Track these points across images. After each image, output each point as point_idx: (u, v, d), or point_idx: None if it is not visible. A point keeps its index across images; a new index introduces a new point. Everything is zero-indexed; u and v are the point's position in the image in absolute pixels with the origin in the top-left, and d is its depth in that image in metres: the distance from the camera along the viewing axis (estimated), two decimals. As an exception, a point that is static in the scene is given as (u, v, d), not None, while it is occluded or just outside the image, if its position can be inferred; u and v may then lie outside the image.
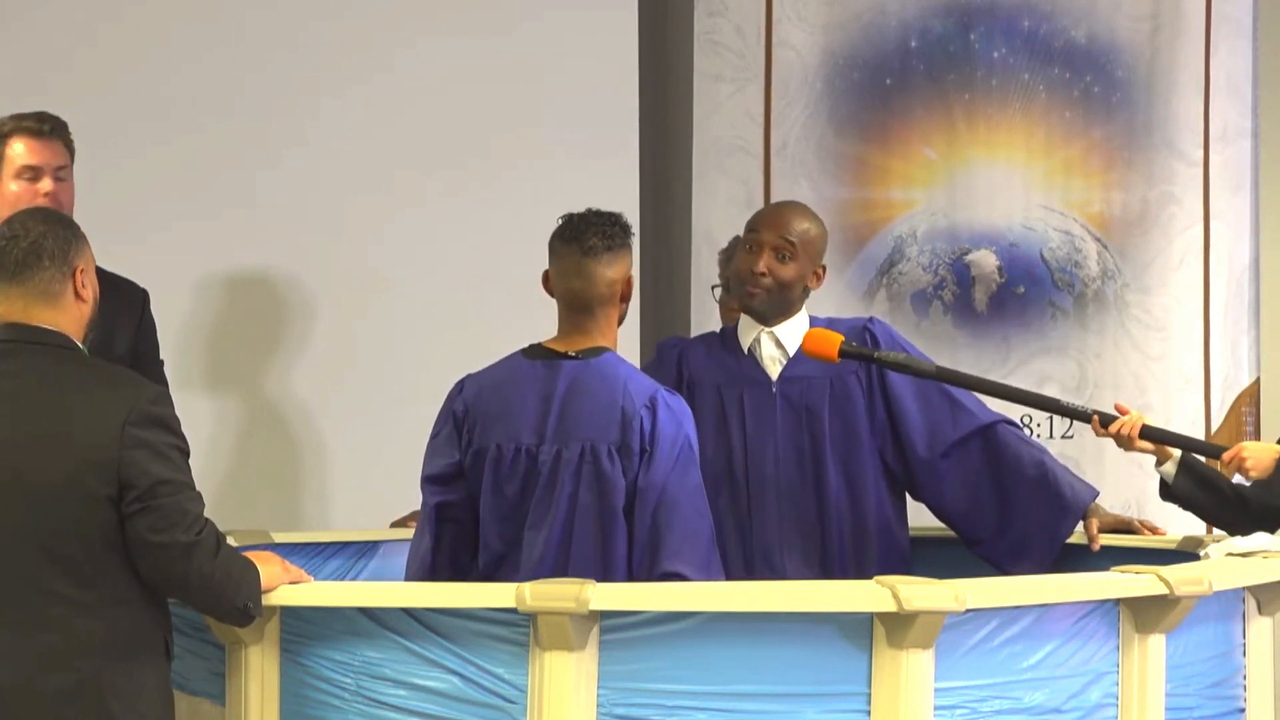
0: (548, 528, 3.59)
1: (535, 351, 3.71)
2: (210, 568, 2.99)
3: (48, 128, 4.08)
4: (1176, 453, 3.95)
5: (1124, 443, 3.92)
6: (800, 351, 4.06)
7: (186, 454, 3.04)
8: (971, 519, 4.13)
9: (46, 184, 4.06)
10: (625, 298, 3.72)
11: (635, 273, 5.37)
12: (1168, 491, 3.98)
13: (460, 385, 3.75)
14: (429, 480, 3.74)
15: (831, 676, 3.11)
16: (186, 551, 2.97)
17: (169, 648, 3.08)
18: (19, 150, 4.06)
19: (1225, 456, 3.86)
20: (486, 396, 3.69)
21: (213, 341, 5.01)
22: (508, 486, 3.64)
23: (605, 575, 3.51)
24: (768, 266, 4.02)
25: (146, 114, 4.92)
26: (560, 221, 3.72)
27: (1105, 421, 3.94)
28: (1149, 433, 3.91)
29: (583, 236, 3.66)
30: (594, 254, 3.65)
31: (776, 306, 4.06)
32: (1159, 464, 3.97)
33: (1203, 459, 4.00)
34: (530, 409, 3.64)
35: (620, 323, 3.75)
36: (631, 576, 3.54)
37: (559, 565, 3.57)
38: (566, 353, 3.67)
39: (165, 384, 3.90)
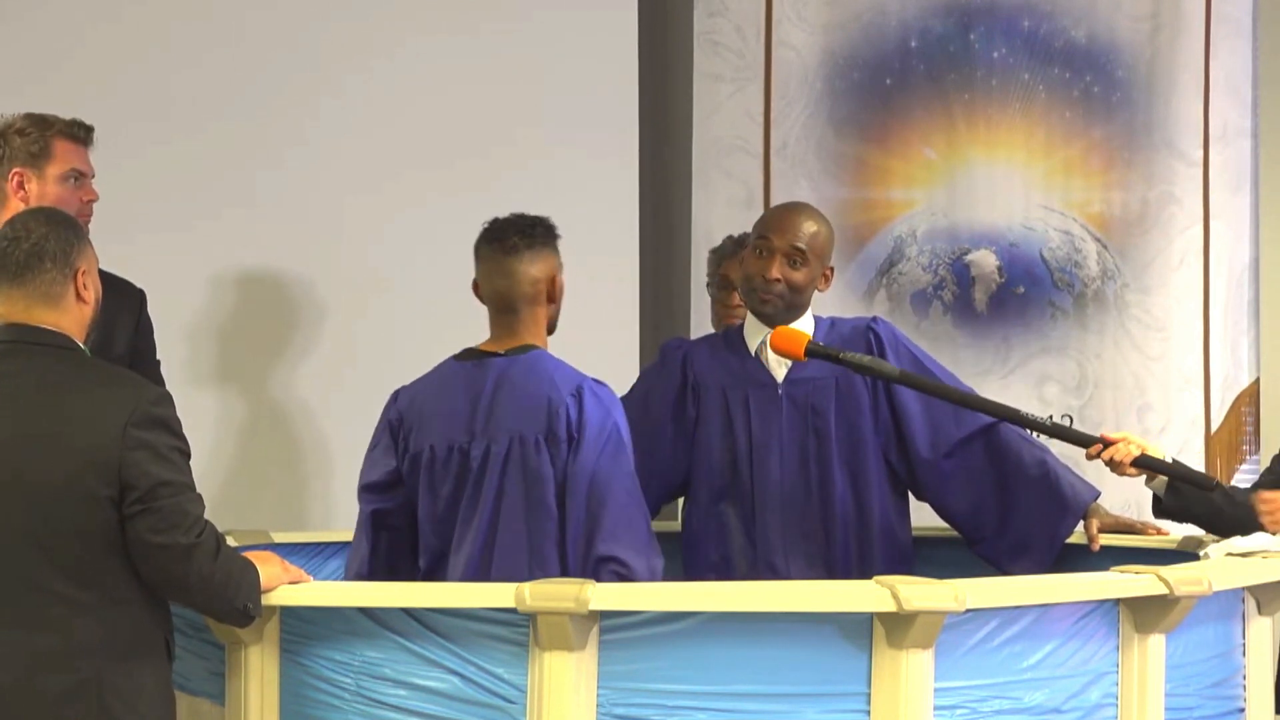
0: (477, 522, 3.61)
1: (466, 355, 3.74)
2: (210, 569, 2.99)
3: (88, 136, 4.06)
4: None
5: (1115, 468, 3.93)
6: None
7: (187, 455, 3.04)
8: (973, 518, 4.13)
9: (92, 191, 4.05)
10: (552, 298, 3.73)
11: (634, 272, 5.42)
12: (1160, 507, 4.01)
13: (395, 395, 3.79)
14: (366, 489, 3.80)
15: (831, 676, 3.11)
16: (187, 553, 2.97)
17: (170, 648, 3.08)
18: (66, 151, 4.01)
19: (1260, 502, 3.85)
20: (419, 403, 3.73)
21: (213, 342, 5.01)
22: (442, 487, 3.67)
23: (531, 566, 3.53)
24: (781, 273, 4.02)
25: (147, 114, 4.92)
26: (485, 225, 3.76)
27: (1088, 442, 3.95)
28: (1142, 461, 3.91)
29: (504, 236, 3.70)
30: (515, 252, 3.68)
31: (789, 309, 4.06)
32: (1149, 480, 3.98)
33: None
34: (461, 409, 3.67)
35: (551, 328, 3.76)
36: (564, 565, 3.55)
37: (485, 558, 3.59)
38: (495, 352, 3.69)
39: (163, 384, 3.91)
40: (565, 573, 3.52)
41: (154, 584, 3.01)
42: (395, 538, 3.76)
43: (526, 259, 3.68)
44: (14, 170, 3.98)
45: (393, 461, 3.74)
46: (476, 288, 3.75)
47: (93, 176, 4.07)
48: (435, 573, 3.67)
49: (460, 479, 3.64)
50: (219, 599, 3.03)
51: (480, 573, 3.56)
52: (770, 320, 4.07)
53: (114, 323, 3.94)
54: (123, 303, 4.09)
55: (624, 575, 3.46)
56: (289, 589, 3.19)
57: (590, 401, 3.59)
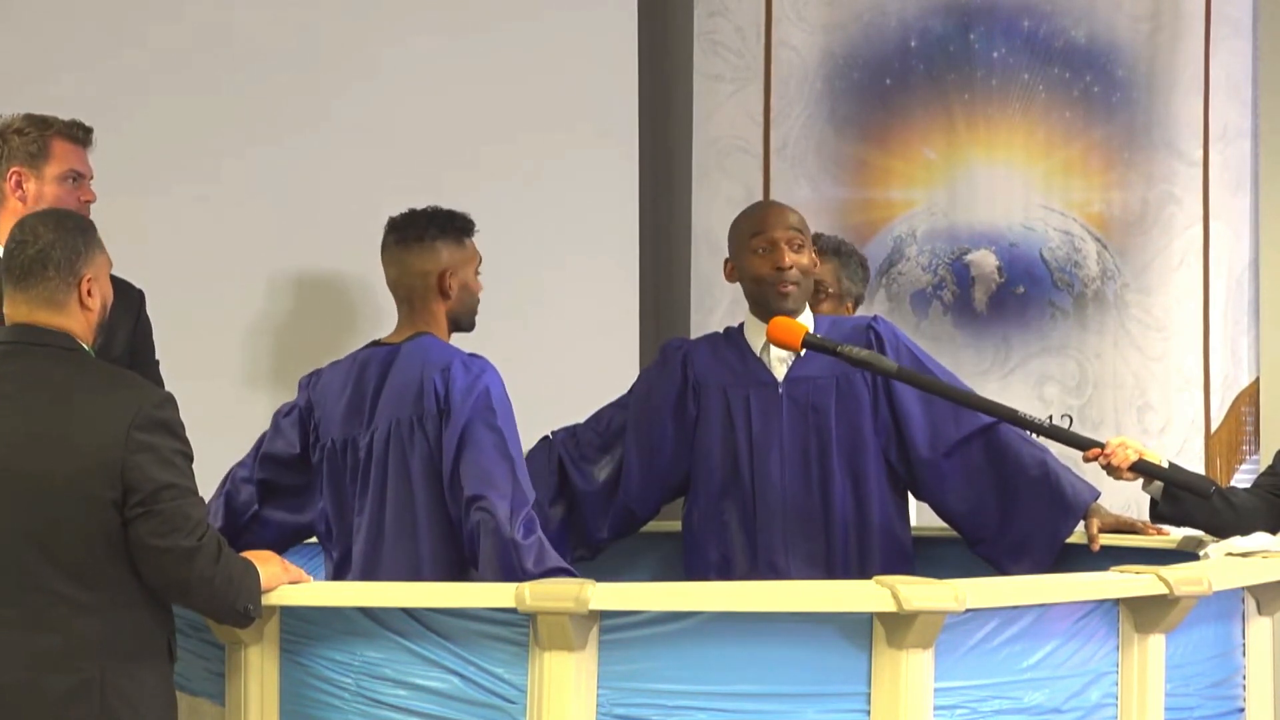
0: (367, 510, 3.64)
1: (369, 346, 3.77)
2: (211, 572, 2.99)
3: (88, 136, 4.06)
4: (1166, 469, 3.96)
5: (1112, 472, 3.93)
6: (807, 352, 4.07)
7: (190, 458, 3.04)
8: (973, 518, 4.13)
9: (90, 193, 4.05)
10: (446, 293, 3.73)
11: (635, 272, 5.41)
12: (1156, 512, 4.01)
13: (309, 379, 3.81)
14: (266, 458, 3.81)
15: (831, 676, 3.11)
16: (188, 556, 2.97)
17: (172, 649, 3.08)
18: (65, 152, 4.01)
19: None
20: (325, 392, 3.76)
21: (215, 342, 5.00)
22: (342, 479, 3.70)
23: (416, 551, 3.56)
24: (791, 260, 4.05)
25: (153, 115, 4.91)
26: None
27: (1086, 445, 3.96)
28: (1139, 467, 3.91)
29: (400, 226, 3.74)
30: (404, 243, 3.72)
31: (805, 296, 4.08)
32: (1146, 485, 3.98)
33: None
34: (350, 401, 3.70)
35: (459, 326, 3.77)
36: (459, 537, 3.55)
37: (375, 545, 3.61)
38: (388, 343, 3.73)
39: (163, 384, 3.91)
40: (459, 544, 3.53)
41: (155, 586, 3.01)
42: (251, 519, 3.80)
43: (415, 251, 3.71)
44: (12, 169, 3.98)
45: (295, 441, 3.76)
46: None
47: (91, 178, 4.06)
48: (344, 565, 3.70)
49: (354, 470, 3.68)
50: (220, 601, 3.03)
51: (372, 560, 3.60)
52: (794, 314, 4.06)
53: (114, 323, 3.94)
54: (122, 303, 4.08)
55: (488, 511, 3.45)
56: (289, 589, 3.19)
57: (458, 371, 3.60)
